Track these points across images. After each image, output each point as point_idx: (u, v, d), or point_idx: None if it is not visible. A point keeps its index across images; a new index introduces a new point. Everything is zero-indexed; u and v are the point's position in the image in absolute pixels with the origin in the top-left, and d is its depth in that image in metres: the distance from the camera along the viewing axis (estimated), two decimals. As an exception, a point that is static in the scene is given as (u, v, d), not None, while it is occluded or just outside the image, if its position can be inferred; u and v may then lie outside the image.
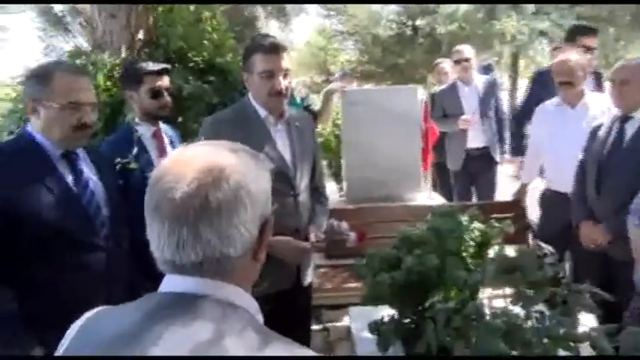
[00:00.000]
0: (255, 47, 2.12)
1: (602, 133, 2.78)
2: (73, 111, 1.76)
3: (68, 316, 0.91)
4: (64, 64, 1.94)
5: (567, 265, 3.27)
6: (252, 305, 0.86)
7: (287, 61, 2.14)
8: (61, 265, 1.74)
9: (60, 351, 0.86)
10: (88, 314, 0.89)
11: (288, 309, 2.26)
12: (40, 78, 1.77)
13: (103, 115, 3.02)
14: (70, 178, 1.81)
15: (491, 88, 4.60)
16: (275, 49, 2.09)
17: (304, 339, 2.45)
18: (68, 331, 0.88)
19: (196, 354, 0.73)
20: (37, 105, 1.76)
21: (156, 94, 2.44)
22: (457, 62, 4.59)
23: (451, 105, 4.60)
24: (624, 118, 2.68)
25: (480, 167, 4.57)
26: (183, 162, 0.82)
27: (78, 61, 3.44)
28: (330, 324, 3.36)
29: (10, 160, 1.73)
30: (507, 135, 4.55)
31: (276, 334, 0.81)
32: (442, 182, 5.23)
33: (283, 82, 2.11)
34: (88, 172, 1.88)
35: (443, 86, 4.89)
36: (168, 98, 2.49)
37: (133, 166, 2.24)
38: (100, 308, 0.90)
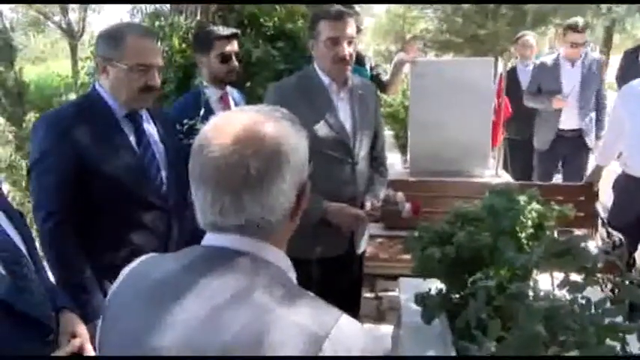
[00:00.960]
0: (321, 14, 2.14)
1: None
2: (140, 73, 1.79)
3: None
4: (135, 25, 1.96)
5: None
6: (285, 263, 0.91)
7: (353, 28, 2.14)
8: (124, 221, 1.82)
9: (111, 291, 0.94)
10: (139, 259, 0.97)
11: (339, 275, 2.32)
12: (112, 38, 1.79)
13: (176, 77, 3.15)
14: (132, 138, 1.86)
15: (597, 67, 4.22)
16: (340, 16, 2.10)
17: (354, 306, 2.50)
18: (122, 272, 0.96)
19: (226, 305, 0.78)
20: (107, 64, 1.80)
21: (225, 58, 2.50)
22: (572, 45, 4.13)
23: (549, 81, 4.24)
24: None
25: (570, 150, 4.27)
26: (225, 130, 0.86)
27: (157, 23, 3.58)
28: (382, 293, 3.40)
29: (79, 116, 1.79)
30: (605, 120, 4.19)
31: (304, 291, 0.85)
32: (515, 160, 4.92)
33: (347, 49, 2.12)
34: (151, 133, 1.93)
35: (537, 60, 4.54)
36: (236, 63, 2.53)
37: (198, 127, 2.33)
38: (149, 255, 0.98)
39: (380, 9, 23.00)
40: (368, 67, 3.69)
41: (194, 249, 0.90)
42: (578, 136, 4.23)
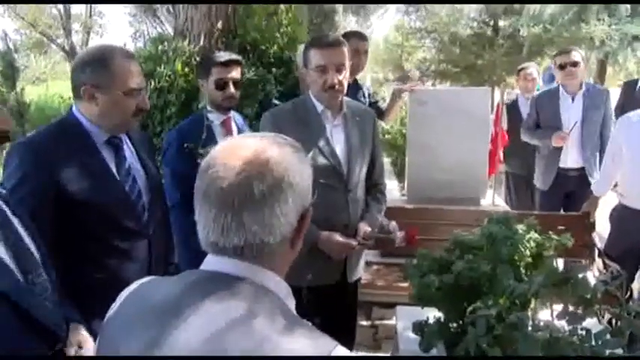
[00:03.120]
0: (311, 42, 2.18)
1: None
2: (134, 97, 1.77)
3: (110, 298, 0.98)
4: (118, 49, 1.85)
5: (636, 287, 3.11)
6: (284, 291, 0.91)
7: (343, 56, 2.14)
8: (104, 248, 1.77)
9: (110, 312, 0.95)
10: (138, 282, 0.98)
11: (332, 303, 2.28)
12: (99, 65, 1.73)
13: (178, 101, 3.18)
14: (112, 165, 1.81)
15: (600, 99, 3.83)
16: (329, 44, 2.12)
17: (349, 335, 2.44)
18: (120, 295, 0.97)
19: (227, 329, 0.79)
20: (97, 92, 1.73)
21: (221, 85, 2.50)
22: (562, 67, 3.81)
23: (547, 116, 3.90)
24: None
25: (572, 189, 3.87)
26: (232, 153, 0.89)
27: (160, 47, 3.63)
28: (378, 321, 3.37)
29: (57, 143, 1.71)
30: None
31: (301, 321, 0.86)
32: (517, 195, 4.70)
33: (337, 77, 2.12)
34: (131, 158, 1.89)
35: (534, 93, 4.31)
36: (232, 90, 2.52)
37: (200, 151, 2.35)
38: (149, 278, 0.98)
39: (378, 37, 23.36)
40: (365, 94, 3.73)
41: (194, 273, 0.91)
42: (581, 174, 3.84)
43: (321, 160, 2.15)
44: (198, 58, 3.11)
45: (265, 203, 0.86)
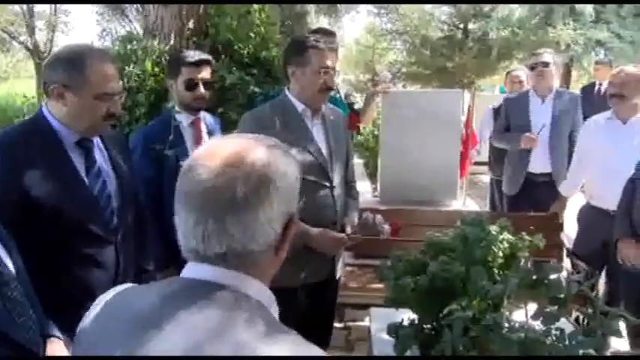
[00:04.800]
0: (311, 43, 2.18)
1: None
2: (105, 101, 1.71)
3: (76, 305, 0.94)
4: (96, 50, 1.80)
5: (602, 284, 3.18)
6: (267, 298, 0.88)
7: (338, 58, 2.24)
8: (70, 254, 1.71)
9: (85, 322, 0.90)
10: (115, 289, 0.93)
11: (318, 302, 2.34)
12: (73, 64, 1.67)
13: (147, 101, 3.11)
14: (81, 167, 1.75)
15: (571, 104, 3.79)
16: (332, 47, 2.20)
17: (327, 334, 2.50)
18: (95, 303, 0.92)
19: (207, 340, 0.76)
20: (66, 91, 1.68)
21: (191, 85, 2.44)
22: (532, 68, 3.79)
23: (517, 118, 3.84)
24: None
25: (542, 196, 3.71)
26: (215, 154, 0.84)
27: (129, 46, 3.55)
28: (351, 323, 3.36)
29: (22, 145, 1.65)
30: None
31: (285, 328, 0.83)
32: (501, 204, 4.50)
33: (334, 79, 2.21)
34: (101, 160, 1.83)
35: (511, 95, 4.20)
36: (202, 91, 2.46)
37: (167, 152, 2.29)
38: (127, 285, 0.94)
39: (349, 39, 23.48)
40: (343, 95, 3.74)
41: (175, 280, 0.87)
42: (548, 180, 3.75)
43: (308, 158, 2.18)
44: (168, 58, 3.04)
45: (249, 208, 0.82)
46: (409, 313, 1.76)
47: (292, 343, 0.79)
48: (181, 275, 0.87)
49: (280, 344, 0.77)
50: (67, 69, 1.67)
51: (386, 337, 1.76)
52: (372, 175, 5.56)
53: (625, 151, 2.97)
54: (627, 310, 2.70)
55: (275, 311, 0.89)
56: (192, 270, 0.86)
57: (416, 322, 1.72)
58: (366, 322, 3.19)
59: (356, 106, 3.85)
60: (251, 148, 0.86)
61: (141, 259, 2.00)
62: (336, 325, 3.32)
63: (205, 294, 0.81)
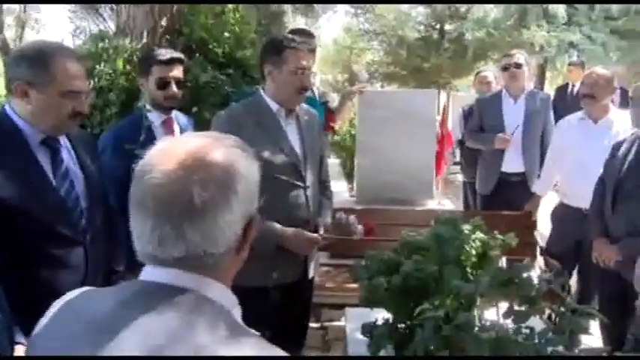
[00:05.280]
0: (289, 43, 2.16)
1: (623, 150, 2.71)
2: (71, 100, 1.67)
3: (44, 308, 0.91)
4: (62, 47, 1.76)
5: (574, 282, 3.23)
6: (229, 300, 0.86)
7: (315, 58, 2.25)
8: (36, 257, 1.67)
9: (40, 326, 0.87)
10: (73, 293, 0.90)
11: (292, 302, 2.33)
12: (38, 61, 1.63)
13: (119, 101, 3.06)
14: (48, 167, 1.71)
15: (542, 105, 3.83)
16: (310, 48, 2.23)
17: (302, 335, 2.50)
18: (51, 307, 0.89)
19: (165, 345, 0.74)
20: (30, 89, 1.63)
21: (162, 84, 2.40)
22: (505, 69, 3.82)
23: (490, 119, 3.86)
24: None
25: (515, 196, 3.73)
26: (171, 155, 0.81)
27: (100, 45, 3.49)
28: (328, 323, 3.36)
29: None
30: None
31: (248, 331, 0.81)
32: (474, 205, 4.47)
33: (310, 80, 2.23)
34: (69, 160, 1.79)
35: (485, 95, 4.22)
36: (175, 89, 2.42)
37: (138, 153, 2.23)
38: (83, 289, 0.91)
39: (327, 39, 23.49)
40: (317, 95, 3.72)
41: (133, 284, 0.85)
42: (522, 180, 3.78)
43: (282, 158, 2.17)
44: (139, 56, 2.99)
45: (207, 213, 0.79)
46: (384, 312, 1.76)
47: (253, 345, 0.77)
48: (140, 278, 0.85)
49: (241, 347, 0.75)
50: (32, 66, 1.63)
51: (361, 336, 1.75)
52: (348, 175, 5.56)
53: (596, 150, 3.03)
54: (601, 308, 2.78)
55: (238, 313, 0.87)
56: (151, 273, 0.83)
57: (390, 321, 1.72)
58: (342, 322, 3.18)
59: (331, 105, 3.83)
60: (209, 149, 0.82)
61: (111, 260, 1.96)
62: (313, 325, 3.31)
63: (164, 297, 0.79)
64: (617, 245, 2.62)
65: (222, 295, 0.84)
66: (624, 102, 4.08)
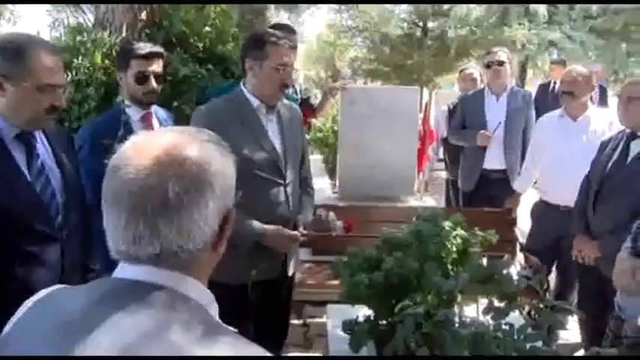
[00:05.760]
0: (271, 38, 2.15)
1: (609, 147, 2.72)
2: (48, 94, 1.65)
3: (18, 306, 0.89)
4: (40, 40, 1.74)
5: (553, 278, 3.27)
6: (205, 298, 0.84)
7: (296, 55, 2.30)
8: (11, 253, 1.63)
9: (10, 325, 0.85)
10: (45, 291, 0.88)
11: (272, 300, 2.33)
12: (14, 54, 1.60)
13: (97, 95, 3.01)
14: (23, 163, 1.68)
15: (524, 103, 3.87)
16: (292, 45, 2.19)
17: (283, 332, 2.49)
18: (23, 305, 0.87)
19: (140, 343, 0.72)
20: (5, 82, 1.61)
21: (141, 79, 2.36)
22: (488, 66, 3.86)
23: (473, 116, 3.91)
24: (631, 136, 2.60)
25: (496, 192, 3.76)
26: (144, 150, 0.80)
27: (78, 38, 3.42)
28: (310, 319, 3.35)
29: None
30: None
31: (225, 329, 0.80)
32: (456, 203, 4.50)
33: (291, 76, 2.23)
34: (45, 156, 1.76)
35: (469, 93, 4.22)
36: (154, 84, 2.38)
37: (116, 148, 2.19)
38: (57, 287, 0.89)
39: (310, 35, 23.42)
40: (298, 90, 3.71)
41: (106, 281, 0.83)
42: (503, 177, 3.83)
43: (261, 154, 2.16)
44: (117, 50, 2.94)
45: (182, 209, 0.77)
46: (365, 309, 1.76)
47: (230, 344, 0.76)
48: (114, 275, 0.83)
49: (217, 346, 0.74)
50: (7, 58, 1.60)
51: (342, 333, 1.75)
52: (331, 172, 5.55)
53: (575, 147, 3.06)
54: (580, 303, 2.81)
55: (215, 310, 0.85)
56: (125, 270, 0.81)
57: (371, 318, 1.72)
58: (324, 319, 3.18)
59: (312, 101, 3.82)
60: (183, 144, 0.81)
61: (87, 257, 1.93)
62: (295, 322, 3.31)
63: (139, 296, 0.77)
64: (597, 243, 2.64)
65: (199, 292, 0.83)
66: (602, 100, 4.15)
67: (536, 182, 3.56)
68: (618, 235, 2.47)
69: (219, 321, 0.83)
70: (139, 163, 0.78)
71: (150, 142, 0.81)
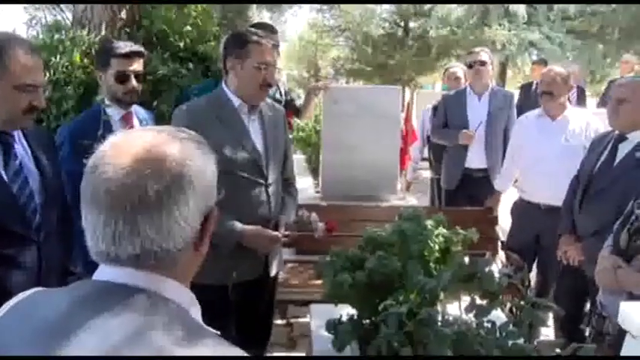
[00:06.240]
0: (252, 37, 2.13)
1: (598, 148, 2.70)
2: (27, 93, 1.63)
3: None
4: (19, 39, 1.72)
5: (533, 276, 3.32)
6: (187, 299, 0.83)
7: (278, 54, 2.24)
8: None
9: None
10: (24, 293, 0.86)
11: (254, 300, 2.30)
12: None
13: (76, 94, 2.96)
14: (0, 164, 1.66)
15: (506, 102, 3.92)
16: (273, 44, 2.18)
17: (266, 332, 2.47)
18: (1, 308, 0.85)
19: (121, 347, 0.71)
20: None
21: (121, 78, 2.33)
22: (470, 66, 3.91)
23: (455, 115, 3.94)
24: (619, 138, 2.59)
25: (478, 191, 3.82)
26: (123, 149, 0.79)
27: (56, 36, 3.36)
28: (294, 320, 3.35)
29: None
30: None
31: (207, 331, 0.79)
32: (440, 201, 4.48)
33: (274, 76, 2.19)
34: (23, 155, 1.74)
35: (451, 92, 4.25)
36: (134, 83, 2.36)
37: (96, 148, 2.15)
38: (35, 289, 0.87)
39: (293, 35, 23.39)
40: (282, 92, 3.69)
41: (86, 284, 0.81)
42: (484, 176, 3.87)
43: (242, 154, 2.14)
44: (97, 49, 2.90)
45: (162, 207, 0.77)
46: (349, 308, 1.76)
47: (211, 346, 0.75)
48: (94, 277, 0.81)
49: (198, 349, 0.73)
50: None
51: (326, 333, 1.75)
52: (314, 171, 5.55)
53: (553, 146, 3.11)
54: (556, 300, 2.84)
55: (197, 312, 0.85)
56: (105, 272, 0.80)
57: (355, 317, 1.72)
58: (307, 319, 3.17)
59: (297, 102, 3.81)
60: (163, 142, 0.80)
61: (66, 260, 1.90)
62: (279, 322, 3.30)
63: (119, 298, 0.76)
64: (581, 244, 2.65)
65: (179, 293, 0.82)
66: (581, 100, 4.22)
67: (516, 181, 3.60)
68: (602, 236, 2.48)
69: (201, 323, 0.82)
70: (118, 162, 0.77)
71: (129, 141, 0.80)
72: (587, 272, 2.62)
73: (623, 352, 1.24)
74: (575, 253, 2.67)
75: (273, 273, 2.35)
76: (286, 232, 2.25)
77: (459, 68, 4.72)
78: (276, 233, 2.20)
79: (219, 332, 0.82)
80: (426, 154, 5.01)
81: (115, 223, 0.76)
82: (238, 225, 2.10)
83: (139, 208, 0.76)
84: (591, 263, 2.50)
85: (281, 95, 3.55)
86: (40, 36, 3.45)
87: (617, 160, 2.57)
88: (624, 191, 2.45)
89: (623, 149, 2.57)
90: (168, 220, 0.77)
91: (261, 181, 2.19)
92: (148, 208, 0.76)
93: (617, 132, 2.63)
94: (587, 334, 2.16)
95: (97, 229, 0.78)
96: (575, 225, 2.74)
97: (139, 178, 0.76)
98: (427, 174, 5.24)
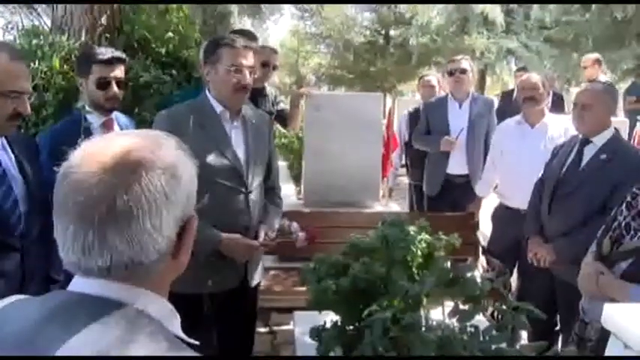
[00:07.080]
0: (224, 41, 2.12)
1: (562, 152, 2.79)
2: (11, 99, 1.62)
3: None
4: (4, 45, 1.76)
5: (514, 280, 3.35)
6: (163, 311, 0.80)
7: (254, 57, 2.18)
8: None
9: None
10: (0, 302, 0.84)
11: (233, 310, 2.26)
12: None
13: (56, 101, 2.92)
14: None
15: (486, 109, 4.00)
16: (245, 45, 2.13)
17: (247, 341, 2.43)
18: None
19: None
20: None
21: (102, 84, 2.32)
22: (451, 74, 3.96)
23: (436, 122, 4.01)
24: (584, 142, 2.67)
25: (460, 197, 3.91)
26: (95, 157, 0.75)
27: (35, 41, 3.31)
28: (277, 327, 3.33)
29: None
30: None
31: (181, 345, 0.77)
32: (419, 207, 4.55)
33: (249, 78, 2.13)
34: (7, 163, 1.74)
35: (432, 100, 4.32)
36: (115, 90, 2.35)
37: None
38: (14, 298, 0.85)
39: (274, 43, 23.41)
40: (270, 101, 3.69)
41: (58, 294, 0.79)
42: (466, 182, 3.93)
43: (222, 162, 2.12)
44: (78, 55, 2.87)
45: (132, 218, 0.73)
46: (333, 315, 1.75)
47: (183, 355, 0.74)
48: (68, 288, 0.79)
49: None
50: None
51: (310, 340, 1.74)
52: (296, 178, 5.54)
53: (532, 153, 3.16)
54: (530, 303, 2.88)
55: (176, 322, 0.82)
56: (78, 283, 0.78)
57: (339, 324, 1.71)
58: (291, 326, 3.16)
59: (286, 112, 3.80)
60: (137, 149, 0.76)
61: (49, 267, 1.87)
62: (262, 329, 3.28)
63: (91, 310, 0.73)
64: (551, 245, 2.70)
65: (154, 304, 0.79)
66: (560, 107, 4.30)
67: (496, 187, 3.65)
68: (572, 237, 2.55)
69: (178, 333, 0.80)
70: (87, 171, 0.74)
71: (101, 148, 0.77)
72: (556, 274, 2.68)
73: (607, 354, 1.26)
74: (545, 253, 2.71)
75: (253, 283, 2.32)
76: (265, 242, 2.22)
77: (433, 77, 4.82)
78: (254, 242, 2.17)
79: (197, 342, 0.80)
80: (404, 159, 5.06)
81: (85, 235, 0.73)
82: (215, 232, 2.07)
83: (108, 220, 0.73)
84: (561, 264, 2.56)
85: (272, 105, 3.55)
86: (17, 41, 3.40)
87: (584, 162, 2.65)
88: (591, 192, 2.54)
89: (589, 152, 2.64)
90: (139, 232, 0.74)
91: (242, 188, 2.17)
92: (116, 219, 0.73)
93: (581, 136, 2.70)
94: (561, 337, 2.18)
95: (67, 239, 0.75)
96: (542, 227, 2.79)
97: (107, 188, 0.73)
98: (406, 180, 5.27)
